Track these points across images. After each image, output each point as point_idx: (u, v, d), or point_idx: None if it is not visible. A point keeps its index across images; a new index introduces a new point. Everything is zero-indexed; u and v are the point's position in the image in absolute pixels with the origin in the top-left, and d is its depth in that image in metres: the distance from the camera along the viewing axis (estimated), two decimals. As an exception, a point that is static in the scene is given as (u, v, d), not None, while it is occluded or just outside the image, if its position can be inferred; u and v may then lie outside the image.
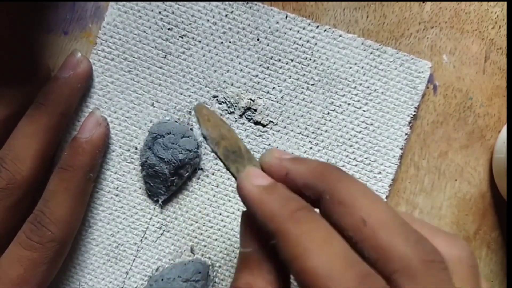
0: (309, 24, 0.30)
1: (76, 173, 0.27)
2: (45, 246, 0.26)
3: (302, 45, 0.30)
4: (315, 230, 0.18)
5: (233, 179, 0.30)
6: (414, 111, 0.30)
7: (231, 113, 0.30)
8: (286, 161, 0.21)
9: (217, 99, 0.30)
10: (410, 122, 0.30)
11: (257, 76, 0.30)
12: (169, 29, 0.30)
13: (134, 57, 0.30)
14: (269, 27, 0.30)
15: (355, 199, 0.18)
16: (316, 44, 0.30)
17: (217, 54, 0.30)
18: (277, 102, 0.30)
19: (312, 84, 0.30)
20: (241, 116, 0.30)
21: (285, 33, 0.30)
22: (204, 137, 0.24)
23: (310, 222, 0.18)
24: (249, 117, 0.30)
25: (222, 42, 0.30)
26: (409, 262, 0.16)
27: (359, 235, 0.17)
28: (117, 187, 0.31)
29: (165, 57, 0.30)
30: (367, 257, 0.17)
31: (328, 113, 0.30)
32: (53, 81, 0.29)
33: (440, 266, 0.17)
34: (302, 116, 0.30)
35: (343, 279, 0.16)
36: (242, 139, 0.30)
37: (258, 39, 0.30)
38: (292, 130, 0.30)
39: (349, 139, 0.30)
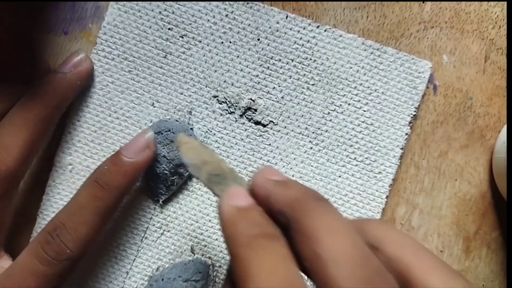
0: (309, 24, 0.30)
1: (111, 193, 0.26)
2: (61, 263, 0.25)
3: (303, 45, 0.30)
4: (267, 257, 0.17)
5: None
6: (414, 111, 0.30)
7: (231, 113, 0.30)
8: (270, 183, 0.20)
9: (217, 99, 0.30)
10: (410, 122, 0.30)
11: (257, 76, 0.30)
12: (169, 29, 0.30)
13: (134, 57, 0.30)
14: (270, 27, 0.30)
15: (316, 232, 0.18)
16: (316, 44, 0.30)
17: (217, 54, 0.30)
18: (278, 102, 0.30)
19: (312, 84, 0.30)
20: (241, 116, 0.30)
21: (285, 33, 0.30)
22: (187, 165, 0.23)
23: (265, 248, 0.18)
24: (250, 117, 0.30)
25: (222, 42, 0.30)
26: None
27: (313, 267, 0.17)
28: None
29: (165, 57, 0.30)
30: None
31: (329, 113, 0.30)
32: (52, 74, 0.28)
33: None
34: (302, 116, 0.30)
35: None
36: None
37: (258, 39, 0.30)
38: (292, 130, 0.30)
39: (349, 139, 0.30)
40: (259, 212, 0.20)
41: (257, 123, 0.30)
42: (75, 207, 0.25)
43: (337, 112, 0.30)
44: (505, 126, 0.31)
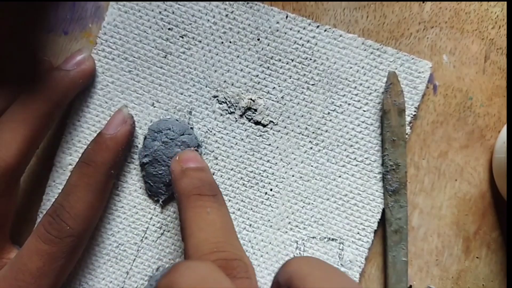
0: (309, 24, 0.30)
1: (98, 169, 0.27)
2: (63, 240, 0.26)
3: (303, 45, 0.30)
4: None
5: (233, 178, 0.30)
6: (414, 111, 0.30)
7: (231, 113, 0.30)
8: (177, 169, 0.26)
9: (217, 99, 0.30)
10: (410, 122, 0.30)
11: (257, 76, 0.30)
12: (169, 29, 0.30)
13: (134, 57, 0.30)
14: (270, 27, 0.30)
15: (183, 224, 0.24)
16: (316, 44, 0.30)
17: (217, 54, 0.30)
18: (278, 102, 0.30)
19: (312, 84, 0.30)
20: (241, 116, 0.30)
21: (285, 33, 0.30)
22: None
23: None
24: (250, 117, 0.30)
25: (222, 42, 0.30)
26: None
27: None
28: (117, 187, 0.30)
29: (165, 57, 0.30)
30: None
31: (328, 113, 0.30)
32: (54, 71, 0.28)
33: None
34: (302, 116, 0.30)
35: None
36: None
37: (258, 39, 0.30)
38: (292, 130, 0.30)
39: (349, 139, 0.30)
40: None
41: (257, 123, 0.30)
42: (68, 188, 0.27)
43: (337, 112, 0.30)
44: (505, 126, 0.31)
